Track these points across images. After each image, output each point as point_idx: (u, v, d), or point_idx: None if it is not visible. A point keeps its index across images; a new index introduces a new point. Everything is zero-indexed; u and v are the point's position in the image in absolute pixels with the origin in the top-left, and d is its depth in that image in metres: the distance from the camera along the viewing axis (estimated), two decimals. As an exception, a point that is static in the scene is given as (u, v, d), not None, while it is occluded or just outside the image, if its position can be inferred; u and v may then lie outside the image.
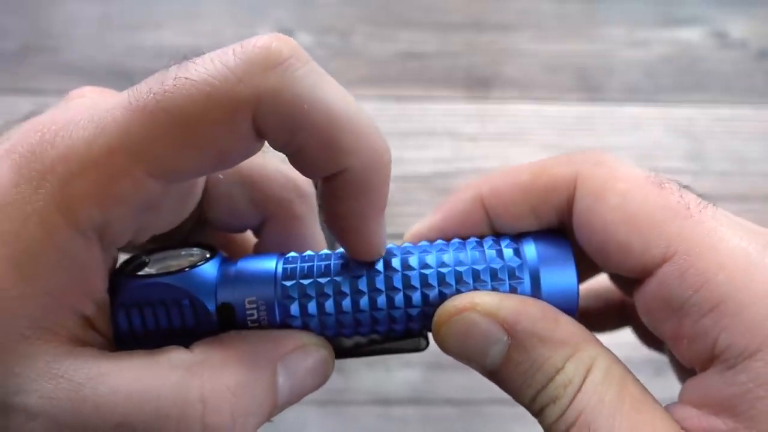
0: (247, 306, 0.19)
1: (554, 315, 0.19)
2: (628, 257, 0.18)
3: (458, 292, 0.19)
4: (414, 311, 0.20)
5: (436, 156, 0.61)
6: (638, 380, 0.19)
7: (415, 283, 0.19)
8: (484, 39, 0.68)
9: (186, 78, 0.17)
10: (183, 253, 0.20)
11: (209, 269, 0.19)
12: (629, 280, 0.20)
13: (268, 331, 0.19)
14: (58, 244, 0.17)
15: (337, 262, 0.20)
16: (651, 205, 0.18)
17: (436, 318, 0.19)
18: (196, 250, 0.21)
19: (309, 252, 0.21)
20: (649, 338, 0.25)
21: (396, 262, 0.20)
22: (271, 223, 0.23)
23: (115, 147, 0.17)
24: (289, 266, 0.20)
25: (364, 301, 0.19)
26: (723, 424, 0.17)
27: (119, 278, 0.19)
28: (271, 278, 0.19)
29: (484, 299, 0.19)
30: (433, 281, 0.19)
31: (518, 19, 0.69)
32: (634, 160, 0.22)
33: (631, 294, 0.20)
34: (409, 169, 0.60)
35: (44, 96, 0.60)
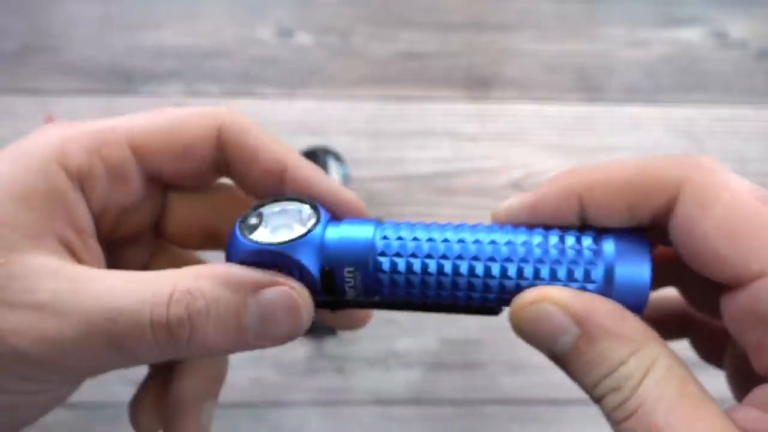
0: (346, 274, 0.22)
1: (622, 313, 0.20)
2: (724, 268, 0.19)
3: (533, 285, 0.21)
4: (491, 296, 0.22)
5: (436, 156, 0.61)
6: (699, 382, 0.20)
7: (496, 273, 0.22)
8: (484, 39, 0.68)
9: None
10: (292, 208, 0.23)
11: (316, 235, 0.22)
12: (709, 291, 0.21)
13: (253, 269, 0.22)
14: (51, 184, 0.22)
15: (427, 240, 0.22)
16: (754, 221, 0.19)
17: (512, 305, 0.21)
18: (304, 209, 0.23)
19: (404, 225, 0.23)
20: (707, 352, 0.27)
21: (480, 251, 0.22)
22: None
23: (115, 126, 0.23)
24: (384, 240, 0.22)
25: (447, 281, 0.22)
26: None
27: (237, 238, 0.22)
28: (368, 252, 0.22)
29: (559, 293, 0.21)
30: (513, 273, 0.21)
31: (518, 19, 0.69)
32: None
33: (703, 307, 0.22)
34: (409, 169, 0.60)
35: (44, 96, 0.60)
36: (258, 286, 0.21)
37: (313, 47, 0.66)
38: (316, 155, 0.57)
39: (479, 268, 0.21)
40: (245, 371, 0.51)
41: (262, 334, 0.21)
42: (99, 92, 0.61)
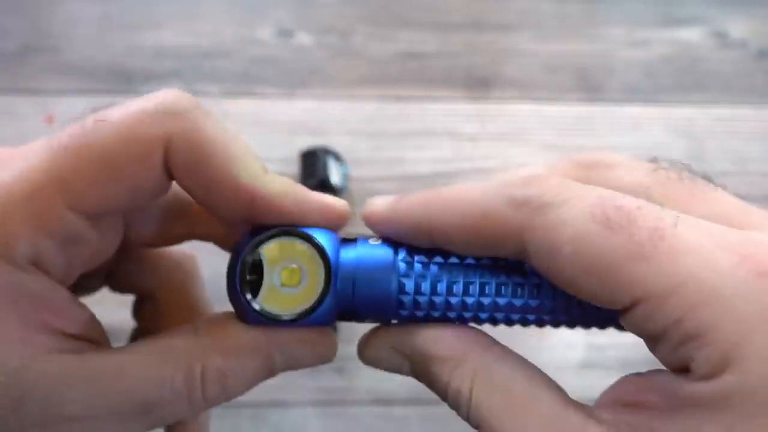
0: (365, 319, 0.22)
1: (426, 336, 0.21)
2: (598, 302, 0.19)
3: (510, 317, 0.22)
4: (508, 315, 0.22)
5: (436, 156, 0.61)
6: (527, 375, 0.20)
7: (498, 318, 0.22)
8: (484, 39, 0.68)
9: (104, 121, 0.20)
10: (292, 255, 0.21)
11: (330, 291, 0.21)
12: None
13: (272, 330, 0.21)
14: (8, 282, 0.19)
15: (445, 289, 0.21)
16: (604, 252, 0.18)
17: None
18: (308, 251, 0.21)
19: (419, 271, 0.21)
20: None
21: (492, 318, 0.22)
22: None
23: (40, 185, 0.19)
24: (405, 294, 0.21)
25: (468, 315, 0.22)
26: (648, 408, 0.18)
27: (247, 308, 0.21)
28: (390, 305, 0.21)
29: (382, 334, 0.22)
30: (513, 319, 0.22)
31: (518, 19, 0.69)
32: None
33: None
34: (409, 169, 0.60)
35: (44, 96, 0.60)
36: (284, 346, 0.22)
37: (313, 47, 0.66)
38: (316, 155, 0.57)
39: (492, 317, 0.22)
40: (245, 371, 0.51)
41: (289, 370, 0.23)
42: (99, 92, 0.62)
